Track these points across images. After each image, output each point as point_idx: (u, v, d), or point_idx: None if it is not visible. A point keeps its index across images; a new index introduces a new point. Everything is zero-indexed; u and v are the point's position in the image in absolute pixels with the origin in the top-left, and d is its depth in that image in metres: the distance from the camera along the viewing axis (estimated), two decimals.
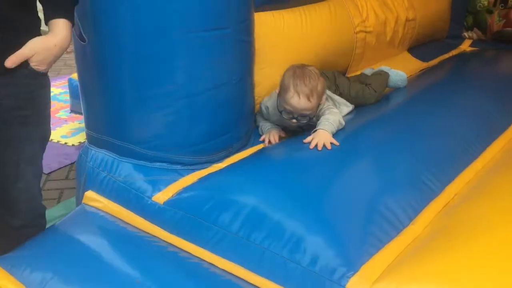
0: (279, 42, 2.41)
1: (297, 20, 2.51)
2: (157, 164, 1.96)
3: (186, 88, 1.86)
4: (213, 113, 1.95)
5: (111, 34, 1.78)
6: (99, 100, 1.95)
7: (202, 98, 1.89)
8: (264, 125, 2.28)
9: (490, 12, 4.08)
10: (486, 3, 4.08)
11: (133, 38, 1.77)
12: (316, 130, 2.04)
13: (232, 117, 2.03)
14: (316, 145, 1.95)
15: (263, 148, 2.15)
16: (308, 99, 2.02)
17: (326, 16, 2.68)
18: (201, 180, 1.88)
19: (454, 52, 4.02)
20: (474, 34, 4.26)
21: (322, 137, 1.98)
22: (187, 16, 1.76)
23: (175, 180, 1.90)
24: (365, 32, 2.97)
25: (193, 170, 1.97)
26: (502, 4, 4.00)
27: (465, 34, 4.29)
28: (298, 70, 2.07)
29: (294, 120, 2.10)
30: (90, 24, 1.81)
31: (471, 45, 4.20)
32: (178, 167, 1.97)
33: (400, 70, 2.87)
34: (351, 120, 2.27)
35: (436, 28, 4.03)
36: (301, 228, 1.54)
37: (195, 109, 1.90)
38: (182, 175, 1.94)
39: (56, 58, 1.57)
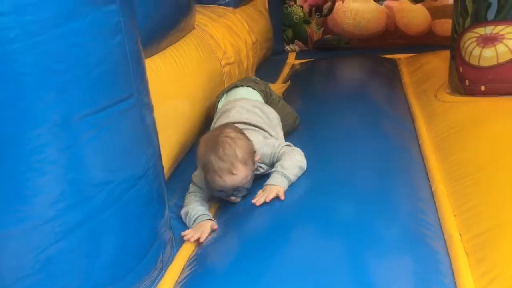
0: (158, 94, 1.83)
1: (172, 64, 1.97)
2: None
3: (90, 200, 1.18)
4: (139, 222, 1.30)
5: None
6: None
7: (116, 208, 1.23)
8: (191, 208, 1.67)
9: (308, 22, 4.09)
10: (302, 14, 4.08)
11: None
12: (266, 185, 1.68)
13: (160, 212, 1.41)
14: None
15: (206, 244, 1.55)
16: (231, 173, 1.62)
17: (195, 53, 2.20)
18: None
19: (287, 68, 3.90)
20: (296, 46, 4.23)
21: (272, 190, 1.63)
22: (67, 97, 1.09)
23: None
24: (229, 64, 2.57)
25: None
26: (318, 13, 4.04)
27: (288, 48, 4.25)
28: (210, 141, 1.69)
29: (233, 198, 1.72)
30: None
31: (296, 58, 4.15)
32: None
33: None
34: None
35: (266, 47, 3.87)
36: None
37: (106, 228, 1.22)
38: None
39: None
